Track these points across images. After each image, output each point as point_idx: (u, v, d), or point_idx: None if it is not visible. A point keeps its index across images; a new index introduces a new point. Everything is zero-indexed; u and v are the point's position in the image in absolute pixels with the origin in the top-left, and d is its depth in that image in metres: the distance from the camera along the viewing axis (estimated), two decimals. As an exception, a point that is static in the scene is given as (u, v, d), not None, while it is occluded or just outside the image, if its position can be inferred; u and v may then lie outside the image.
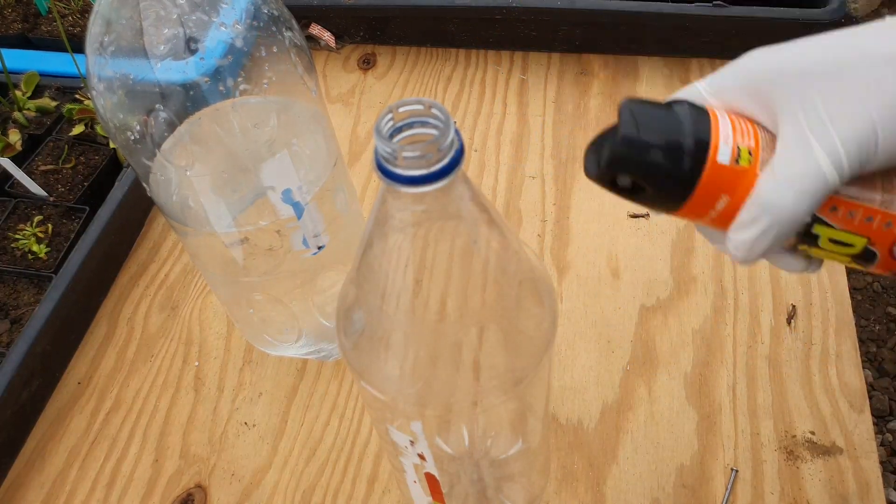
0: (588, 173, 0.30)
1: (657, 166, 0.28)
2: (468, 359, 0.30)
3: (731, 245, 0.29)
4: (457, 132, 0.25)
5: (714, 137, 0.28)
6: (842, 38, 0.27)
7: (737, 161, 0.28)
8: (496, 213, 0.29)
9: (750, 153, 0.28)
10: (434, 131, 0.25)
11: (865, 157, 0.25)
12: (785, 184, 0.26)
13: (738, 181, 0.28)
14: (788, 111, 0.27)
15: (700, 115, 0.29)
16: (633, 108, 0.28)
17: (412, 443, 0.33)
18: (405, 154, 0.24)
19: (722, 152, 0.28)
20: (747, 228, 0.28)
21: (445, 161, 0.24)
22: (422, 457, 0.35)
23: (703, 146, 0.28)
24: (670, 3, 0.69)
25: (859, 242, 0.28)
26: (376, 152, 0.24)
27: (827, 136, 0.26)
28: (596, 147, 0.30)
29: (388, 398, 0.31)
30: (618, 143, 0.28)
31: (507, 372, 0.31)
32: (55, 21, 0.78)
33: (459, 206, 0.26)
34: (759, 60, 0.29)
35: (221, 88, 0.36)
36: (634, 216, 0.62)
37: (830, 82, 0.26)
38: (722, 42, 0.70)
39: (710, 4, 0.67)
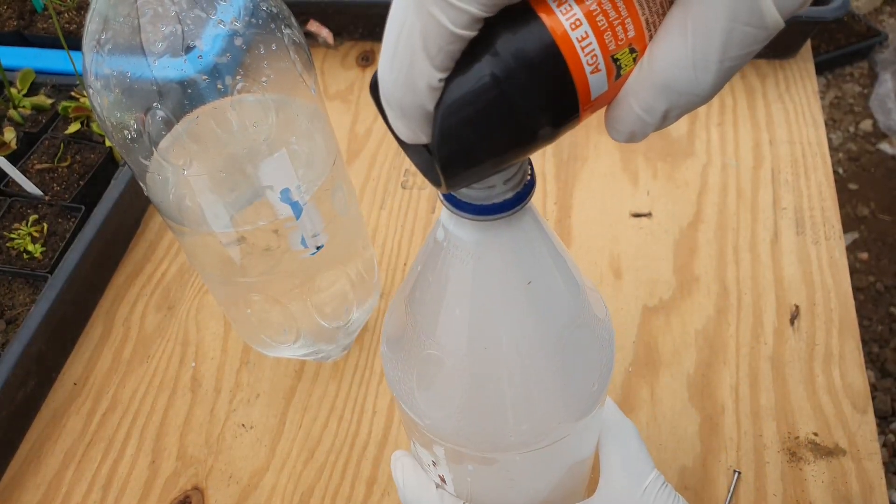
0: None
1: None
2: (510, 402, 0.28)
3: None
4: (529, 163, 0.24)
5: (579, 86, 0.19)
6: None
7: (618, 75, 0.20)
8: (562, 250, 0.28)
9: (632, 50, 0.19)
10: None
11: None
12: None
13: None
14: None
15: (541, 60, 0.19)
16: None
17: (434, 463, 0.33)
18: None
19: (594, 88, 0.19)
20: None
21: (518, 189, 0.24)
22: (442, 479, 0.34)
23: (564, 111, 0.20)
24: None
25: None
26: None
27: None
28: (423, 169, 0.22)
29: (424, 426, 0.30)
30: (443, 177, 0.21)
31: (552, 421, 0.29)
32: (51, 18, 0.78)
33: (524, 240, 0.26)
34: None
35: (219, 86, 0.36)
36: (637, 215, 0.61)
37: None
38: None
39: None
